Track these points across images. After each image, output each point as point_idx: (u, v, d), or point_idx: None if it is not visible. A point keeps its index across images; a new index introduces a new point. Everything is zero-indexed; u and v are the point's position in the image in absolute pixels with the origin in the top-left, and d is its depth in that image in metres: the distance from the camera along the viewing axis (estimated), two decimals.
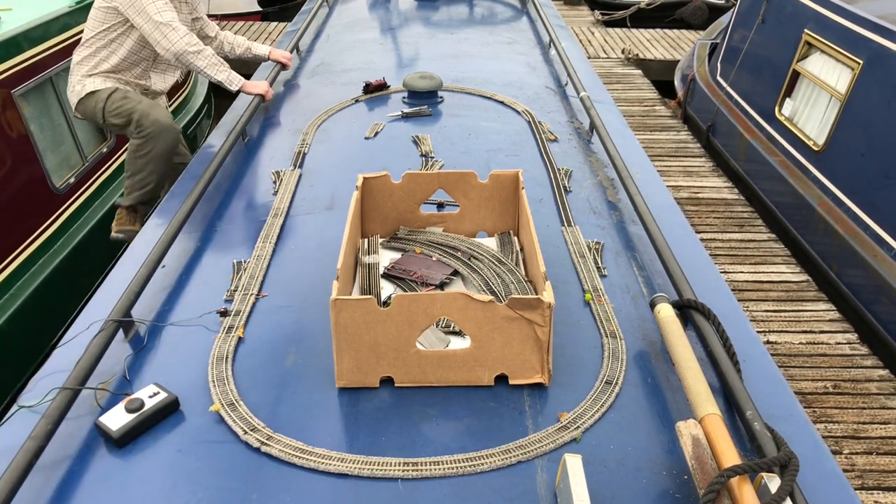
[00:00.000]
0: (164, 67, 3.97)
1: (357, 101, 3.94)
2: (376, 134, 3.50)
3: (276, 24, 11.76)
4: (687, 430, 1.55)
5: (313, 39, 5.29)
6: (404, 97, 3.95)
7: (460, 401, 1.82)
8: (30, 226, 4.17)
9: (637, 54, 10.42)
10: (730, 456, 1.46)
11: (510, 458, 1.64)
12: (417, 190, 2.43)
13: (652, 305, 2.05)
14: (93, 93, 3.71)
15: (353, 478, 1.60)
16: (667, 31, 11.78)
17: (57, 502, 1.57)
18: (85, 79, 3.74)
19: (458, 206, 2.47)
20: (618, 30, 11.85)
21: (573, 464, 1.47)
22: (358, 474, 1.60)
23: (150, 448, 1.70)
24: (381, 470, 1.61)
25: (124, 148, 5.36)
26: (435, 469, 1.61)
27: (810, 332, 4.74)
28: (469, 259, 2.30)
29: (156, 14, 3.50)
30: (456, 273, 2.25)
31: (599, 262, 2.43)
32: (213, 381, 1.88)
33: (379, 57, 4.75)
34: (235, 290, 2.27)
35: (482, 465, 1.62)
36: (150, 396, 1.78)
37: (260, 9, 12.60)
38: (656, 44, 11.13)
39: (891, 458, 3.81)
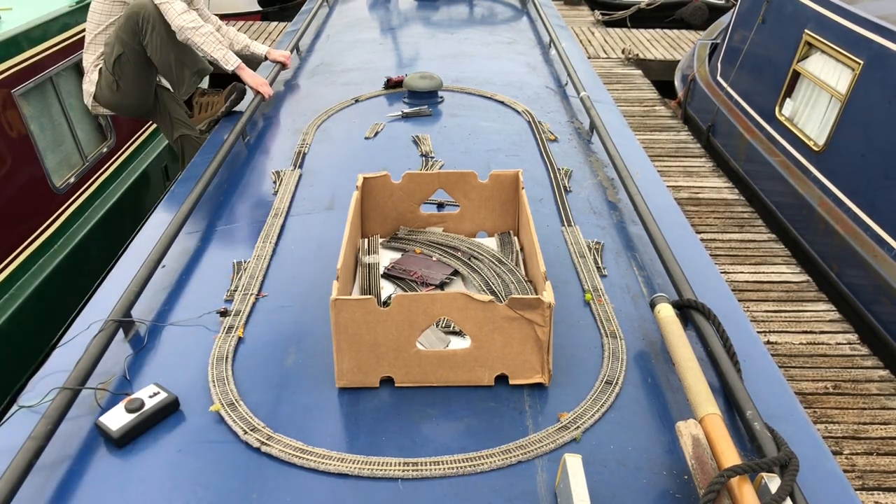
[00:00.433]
0: None
1: (357, 100, 3.94)
2: (376, 134, 3.50)
3: (276, 23, 11.76)
4: (687, 429, 1.55)
5: (313, 39, 5.29)
6: (404, 97, 3.95)
7: (460, 401, 1.81)
8: (30, 226, 4.17)
9: (637, 54, 10.41)
10: (730, 456, 1.46)
11: (510, 458, 1.64)
12: (417, 190, 2.43)
13: (652, 305, 2.05)
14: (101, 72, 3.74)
15: (353, 478, 1.60)
16: (667, 31, 11.78)
17: (57, 502, 1.57)
18: (96, 70, 3.76)
19: (458, 206, 2.47)
20: (618, 30, 11.85)
21: (573, 464, 1.47)
22: (358, 474, 1.60)
23: (150, 448, 1.70)
24: (381, 470, 1.61)
25: (124, 147, 5.37)
26: (435, 469, 1.61)
27: (810, 332, 4.74)
28: (469, 259, 2.30)
29: None
30: (456, 273, 2.25)
31: (599, 262, 2.43)
32: (213, 381, 1.88)
33: (379, 57, 4.75)
34: (235, 290, 2.27)
35: (482, 465, 1.62)
36: (150, 396, 1.78)
37: (260, 9, 12.60)
38: (656, 44, 11.12)
39: (891, 458, 3.81)
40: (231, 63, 3.73)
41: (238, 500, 1.56)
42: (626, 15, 12.18)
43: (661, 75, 10.06)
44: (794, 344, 4.63)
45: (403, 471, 1.61)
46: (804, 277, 5.32)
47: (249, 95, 3.98)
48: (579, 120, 3.76)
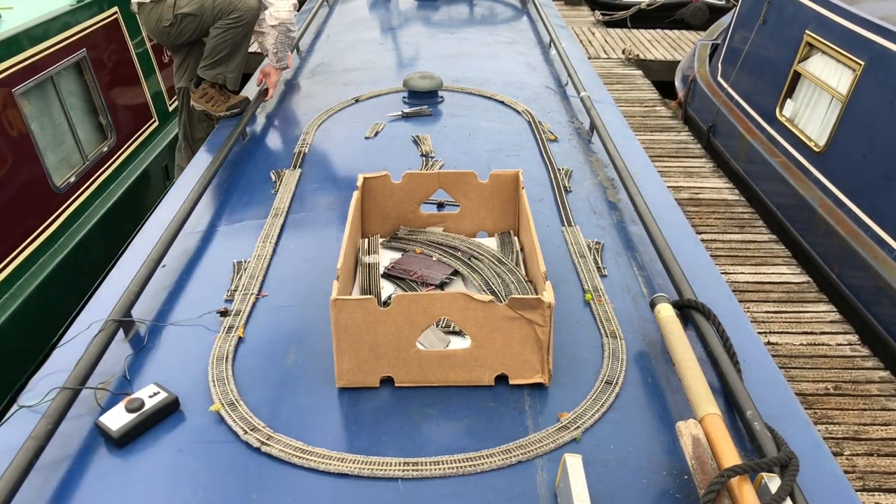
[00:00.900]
0: None
1: (357, 100, 3.94)
2: (376, 134, 3.50)
3: None
4: (687, 430, 1.55)
5: (313, 39, 5.29)
6: (404, 97, 3.95)
7: (460, 401, 1.81)
8: (30, 225, 4.16)
9: (637, 55, 10.42)
10: (730, 456, 1.46)
11: (510, 457, 1.64)
12: (417, 190, 2.43)
13: (652, 305, 2.05)
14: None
15: (354, 478, 1.60)
16: (667, 31, 11.78)
17: (57, 502, 1.57)
18: None
19: (458, 205, 2.47)
20: (618, 30, 11.86)
21: (573, 464, 1.47)
22: (358, 474, 1.60)
23: (150, 448, 1.70)
24: (381, 470, 1.61)
25: (125, 147, 5.36)
26: (435, 469, 1.61)
27: (811, 333, 4.74)
28: (469, 259, 2.30)
29: None
30: (456, 273, 2.25)
31: (599, 262, 2.43)
32: (214, 380, 1.88)
33: (379, 57, 4.75)
34: (236, 290, 2.27)
35: (482, 464, 1.62)
36: (151, 396, 1.78)
37: None
38: (657, 44, 11.13)
39: (892, 459, 3.81)
40: (282, 63, 3.94)
41: (238, 499, 1.56)
42: (626, 15, 12.18)
43: (661, 76, 10.06)
44: (794, 345, 4.63)
45: (403, 471, 1.61)
46: (805, 278, 5.31)
47: (250, 94, 3.98)
48: (579, 120, 3.76)
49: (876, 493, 3.63)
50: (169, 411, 1.78)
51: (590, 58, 10.27)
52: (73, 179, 4.60)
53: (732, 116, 7.08)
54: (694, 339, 1.96)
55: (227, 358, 1.96)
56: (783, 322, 4.84)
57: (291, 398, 1.84)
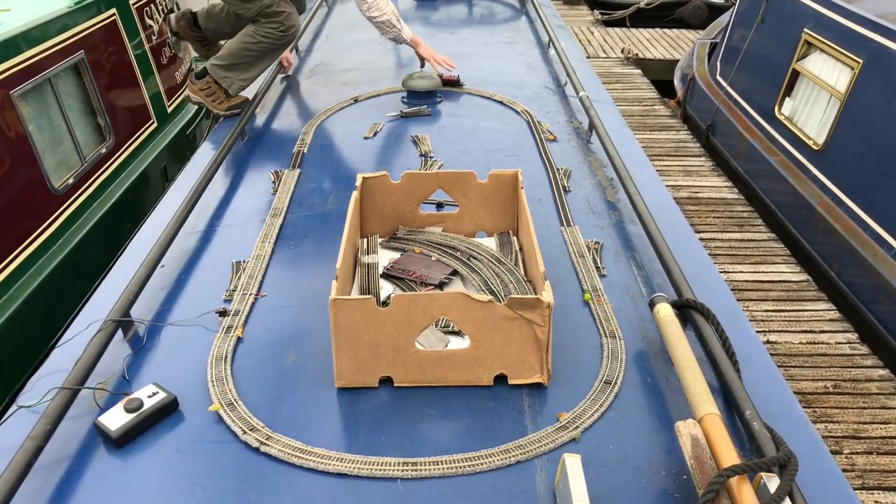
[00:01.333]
0: None
1: (356, 100, 3.94)
2: (375, 134, 3.50)
3: None
4: (686, 429, 1.55)
5: (312, 39, 5.29)
6: (403, 97, 3.95)
7: (459, 401, 1.81)
8: (28, 227, 4.16)
9: (636, 54, 10.42)
10: (729, 456, 1.46)
11: (509, 458, 1.64)
12: (417, 190, 2.43)
13: (651, 305, 2.05)
14: None
15: (353, 477, 1.60)
16: (666, 30, 11.79)
17: (56, 502, 1.57)
18: None
19: (457, 205, 2.47)
20: (617, 29, 11.86)
21: (572, 464, 1.47)
22: (357, 474, 1.60)
23: (149, 448, 1.70)
24: (380, 470, 1.61)
25: (124, 148, 5.36)
26: (434, 469, 1.61)
27: (810, 331, 4.75)
28: (468, 259, 2.30)
29: None
30: (455, 273, 2.25)
31: (599, 261, 2.43)
32: (213, 380, 1.88)
33: (378, 57, 4.75)
34: (234, 290, 2.27)
35: (481, 464, 1.62)
36: (149, 396, 1.78)
37: None
38: (656, 43, 11.13)
39: (891, 457, 3.81)
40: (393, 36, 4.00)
41: (237, 499, 1.56)
42: (625, 14, 12.18)
43: (660, 75, 10.06)
44: (793, 343, 4.63)
45: (403, 471, 1.61)
46: (804, 277, 5.32)
47: (249, 94, 3.99)
48: (578, 120, 3.76)
49: (875, 492, 3.63)
50: (168, 411, 1.78)
51: (589, 57, 10.27)
52: (71, 181, 4.59)
53: (731, 115, 7.08)
54: (693, 339, 1.96)
55: (225, 358, 1.96)
56: (782, 321, 4.85)
57: (290, 398, 1.84)
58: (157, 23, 6.32)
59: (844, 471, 3.74)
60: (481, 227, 2.50)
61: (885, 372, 4.38)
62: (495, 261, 2.27)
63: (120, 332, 2.05)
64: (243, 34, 3.63)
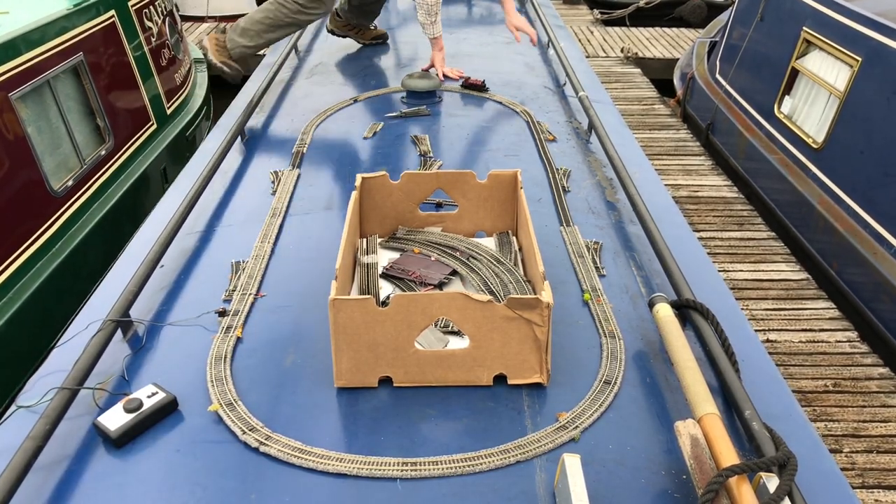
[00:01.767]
0: None
1: (356, 100, 3.94)
2: (375, 134, 3.49)
3: None
4: (685, 429, 1.55)
5: (311, 39, 5.29)
6: (403, 97, 3.95)
7: (459, 401, 1.81)
8: (27, 229, 4.15)
9: (636, 53, 10.42)
10: (728, 456, 1.46)
11: (509, 458, 1.64)
12: (416, 190, 2.43)
13: (650, 305, 2.05)
14: None
15: (352, 477, 1.60)
16: (666, 29, 11.79)
17: (55, 502, 1.57)
18: None
19: (456, 205, 2.47)
20: (617, 28, 11.86)
21: (572, 464, 1.47)
22: (357, 474, 1.60)
23: (148, 448, 1.70)
24: (379, 470, 1.61)
25: (123, 150, 5.36)
26: (434, 469, 1.61)
27: (810, 330, 4.75)
28: (468, 259, 2.30)
29: None
30: (454, 273, 2.25)
31: (598, 261, 2.43)
32: (212, 380, 1.88)
33: (378, 57, 4.75)
34: (234, 290, 2.26)
35: (481, 464, 1.62)
36: (149, 396, 1.77)
37: None
38: (655, 42, 11.13)
39: (891, 456, 3.81)
40: (429, 34, 4.10)
41: (237, 499, 1.56)
42: (624, 13, 12.18)
43: (660, 74, 10.07)
44: (793, 342, 4.63)
45: (402, 471, 1.61)
46: (804, 275, 5.32)
47: (248, 92, 3.99)
48: (578, 120, 3.76)
49: (875, 490, 3.64)
50: (167, 411, 1.78)
51: (588, 56, 10.27)
52: (70, 183, 4.59)
53: (731, 114, 7.09)
54: (692, 339, 1.96)
55: (225, 358, 1.96)
56: (782, 319, 4.85)
57: (290, 398, 1.84)
58: (157, 24, 6.32)
59: (844, 469, 3.75)
60: (481, 227, 2.50)
61: (884, 370, 4.38)
62: (495, 261, 2.27)
63: (119, 332, 2.05)
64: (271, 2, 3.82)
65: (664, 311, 1.97)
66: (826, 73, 5.65)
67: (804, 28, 5.95)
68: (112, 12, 5.48)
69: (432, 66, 4.19)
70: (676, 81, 9.13)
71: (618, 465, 1.63)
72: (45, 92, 4.52)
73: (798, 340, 4.64)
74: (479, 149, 3.31)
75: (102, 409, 1.77)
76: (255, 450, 1.67)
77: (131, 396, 1.77)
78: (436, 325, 2.03)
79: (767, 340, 4.63)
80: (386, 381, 1.86)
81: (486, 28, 5.54)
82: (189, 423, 1.77)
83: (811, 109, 5.86)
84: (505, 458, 1.63)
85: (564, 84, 4.28)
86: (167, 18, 6.67)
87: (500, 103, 3.90)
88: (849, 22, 5.36)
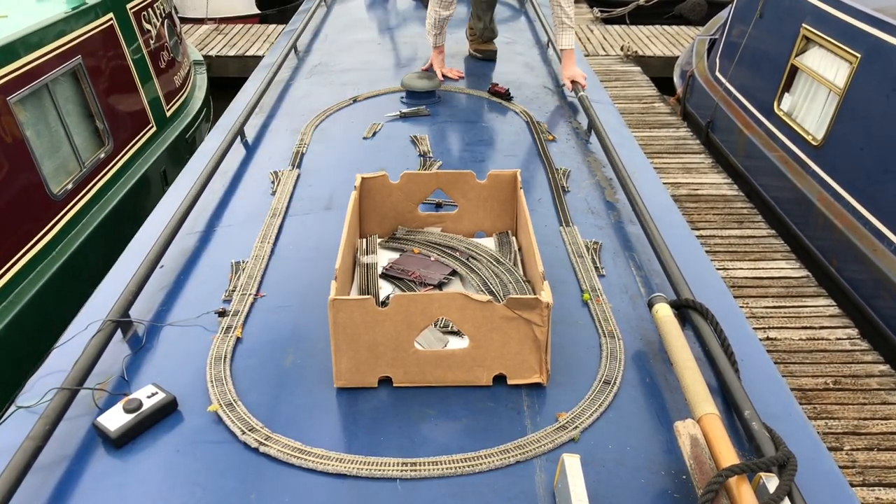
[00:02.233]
0: None
1: (355, 100, 3.94)
2: (374, 134, 3.49)
3: (274, 26, 11.76)
4: (685, 429, 1.55)
5: (311, 39, 5.29)
6: (402, 97, 3.95)
7: (459, 401, 1.81)
8: (27, 233, 4.14)
9: (636, 51, 10.41)
10: (728, 456, 1.46)
11: (509, 458, 1.64)
12: (416, 190, 2.43)
13: (650, 305, 2.05)
14: None
15: (352, 478, 1.60)
16: (666, 27, 11.78)
17: (55, 503, 1.57)
18: None
19: (456, 206, 2.47)
20: (616, 27, 11.85)
21: (571, 464, 1.47)
22: (356, 474, 1.60)
23: (148, 448, 1.70)
24: (379, 470, 1.61)
25: (122, 153, 5.35)
26: (433, 469, 1.61)
27: (810, 327, 4.75)
28: (467, 259, 2.30)
29: None
30: (454, 273, 2.25)
31: (598, 261, 2.43)
32: (212, 381, 1.88)
33: (377, 57, 4.75)
34: (234, 291, 2.27)
35: (481, 465, 1.63)
36: (149, 397, 1.78)
37: (258, 11, 12.59)
38: (655, 40, 11.12)
39: (892, 453, 3.81)
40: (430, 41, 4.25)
41: (236, 499, 1.56)
42: (624, 12, 12.17)
43: (661, 72, 10.06)
44: (793, 339, 4.63)
45: (402, 471, 1.61)
46: (804, 273, 5.32)
47: (248, 93, 3.99)
48: (577, 120, 3.76)
49: (876, 488, 3.64)
50: (167, 412, 1.78)
51: (588, 55, 10.27)
52: (70, 186, 4.58)
53: (731, 111, 7.08)
54: (692, 339, 1.96)
55: (225, 358, 1.96)
56: (782, 317, 4.85)
57: (290, 398, 1.84)
58: (155, 27, 6.31)
59: (845, 467, 3.75)
60: (480, 227, 2.50)
61: (885, 367, 4.38)
62: (494, 261, 2.27)
63: (119, 332, 2.05)
64: None
65: (663, 311, 1.97)
66: (825, 69, 5.64)
67: (803, 25, 5.95)
68: (110, 15, 5.47)
69: (431, 66, 4.23)
70: (676, 79, 9.13)
71: (617, 465, 1.63)
72: (43, 95, 4.51)
73: (798, 338, 4.64)
74: (479, 149, 3.31)
75: (102, 410, 1.77)
76: (255, 450, 1.67)
77: (131, 397, 1.77)
78: (435, 326, 2.03)
79: (767, 338, 4.63)
80: (386, 382, 1.86)
81: None
82: (189, 424, 1.77)
83: (811, 106, 5.86)
84: (505, 459, 1.64)
85: (564, 84, 4.27)
86: (166, 21, 6.67)
87: (500, 103, 3.90)
88: (848, 18, 5.35)
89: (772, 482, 1.43)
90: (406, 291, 2.11)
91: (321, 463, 1.63)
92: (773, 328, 4.74)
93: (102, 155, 5.05)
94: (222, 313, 2.15)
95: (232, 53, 10.52)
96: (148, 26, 6.16)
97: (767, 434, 1.59)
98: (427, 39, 4.21)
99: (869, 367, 4.39)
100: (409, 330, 1.79)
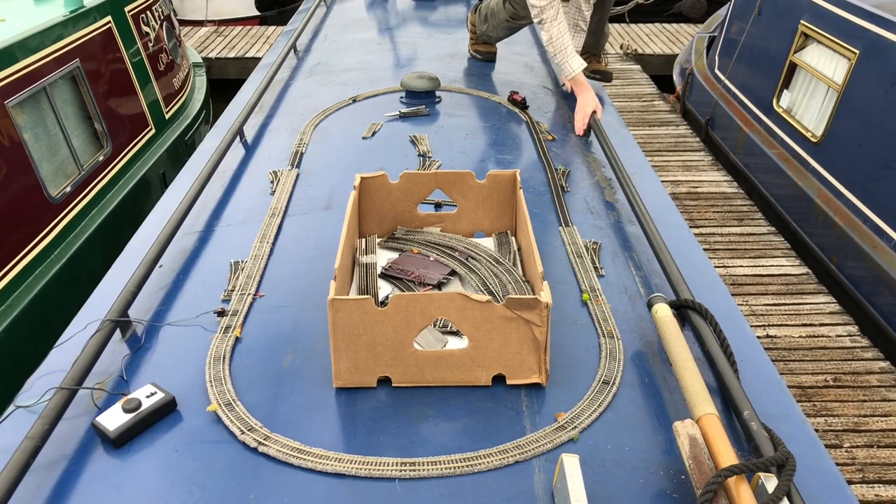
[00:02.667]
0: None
1: (355, 100, 3.94)
2: (374, 134, 3.49)
3: (274, 28, 11.75)
4: (684, 429, 1.55)
5: (311, 39, 5.28)
6: (402, 97, 3.94)
7: (458, 401, 1.82)
8: (25, 236, 4.14)
9: (636, 49, 10.40)
10: (727, 456, 1.46)
11: (508, 458, 1.64)
12: (415, 190, 2.43)
13: (649, 305, 2.05)
14: None
15: (351, 478, 1.60)
16: (665, 25, 11.77)
17: (54, 503, 1.57)
18: None
19: (455, 206, 2.47)
20: (616, 25, 11.84)
21: (570, 464, 1.47)
22: (355, 474, 1.60)
23: (147, 448, 1.70)
24: (378, 470, 1.61)
25: (121, 155, 5.35)
26: (432, 469, 1.61)
27: (810, 324, 4.75)
28: (467, 259, 2.30)
29: None
30: (453, 273, 2.25)
31: (597, 262, 2.43)
32: (211, 381, 1.88)
33: (377, 57, 4.74)
34: (233, 290, 2.27)
35: (480, 465, 1.63)
36: (148, 396, 1.78)
37: (258, 13, 12.59)
38: (655, 38, 11.12)
39: (892, 450, 3.82)
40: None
41: (235, 499, 1.56)
42: (624, 10, 12.15)
43: (660, 70, 10.06)
44: (793, 337, 4.64)
45: (401, 471, 1.61)
46: (804, 270, 5.32)
47: (247, 93, 3.98)
48: None
49: (876, 485, 3.64)
50: (166, 411, 1.78)
51: None
52: (68, 189, 4.58)
53: (730, 109, 7.08)
54: (691, 339, 1.96)
55: (224, 358, 1.96)
56: (782, 314, 4.85)
57: (288, 398, 1.84)
58: (154, 29, 6.31)
59: (845, 464, 3.75)
60: (479, 227, 2.49)
61: (885, 364, 4.38)
62: (493, 261, 2.27)
63: (118, 332, 2.05)
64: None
65: (663, 312, 1.97)
66: (824, 66, 5.64)
67: (802, 21, 5.94)
68: (108, 18, 5.47)
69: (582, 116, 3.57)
70: (676, 77, 9.12)
71: (616, 465, 1.63)
72: (41, 99, 4.51)
73: (798, 335, 4.64)
74: (479, 149, 3.31)
75: (101, 409, 1.77)
76: (254, 450, 1.67)
77: (130, 396, 1.77)
78: (434, 326, 2.03)
79: (767, 335, 4.63)
80: (385, 382, 1.86)
81: None
82: (188, 423, 1.77)
83: (810, 103, 5.86)
84: (504, 459, 1.64)
85: (563, 84, 4.27)
86: (165, 23, 6.66)
87: (500, 103, 3.90)
88: (846, 15, 5.35)
89: (770, 482, 1.44)
90: (405, 291, 2.11)
91: (320, 463, 1.63)
92: (773, 325, 4.74)
93: (101, 158, 5.05)
94: (221, 313, 2.15)
95: (231, 55, 10.52)
96: (146, 29, 6.16)
97: (766, 434, 1.59)
98: (562, 72, 3.72)
99: (869, 364, 4.39)
100: (408, 330, 1.79)
